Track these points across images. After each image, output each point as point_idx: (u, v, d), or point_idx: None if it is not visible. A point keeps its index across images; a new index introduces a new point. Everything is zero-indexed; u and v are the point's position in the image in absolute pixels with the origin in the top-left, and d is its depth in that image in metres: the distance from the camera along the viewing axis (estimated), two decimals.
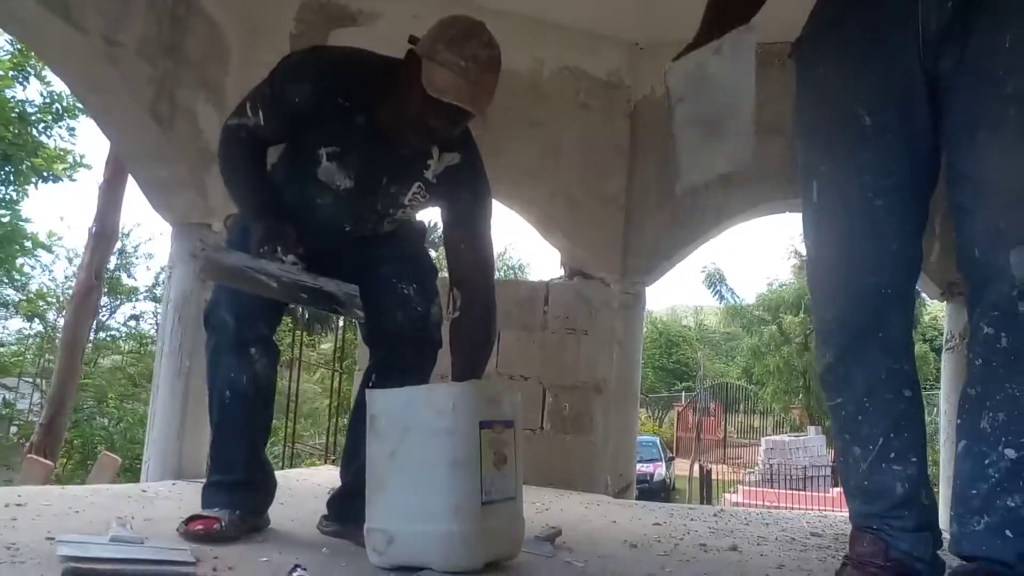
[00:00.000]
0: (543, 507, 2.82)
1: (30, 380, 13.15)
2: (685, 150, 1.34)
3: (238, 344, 1.76)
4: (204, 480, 1.87)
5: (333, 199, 1.79)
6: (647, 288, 3.76)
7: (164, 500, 2.36)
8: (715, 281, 19.70)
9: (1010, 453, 1.07)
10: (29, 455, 6.11)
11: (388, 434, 1.63)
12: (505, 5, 3.33)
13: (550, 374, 3.67)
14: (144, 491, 2.58)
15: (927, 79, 1.18)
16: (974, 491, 1.11)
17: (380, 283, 1.82)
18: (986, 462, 1.09)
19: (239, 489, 1.78)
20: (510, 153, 3.43)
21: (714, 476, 12.92)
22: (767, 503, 10.96)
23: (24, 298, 13.68)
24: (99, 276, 7.55)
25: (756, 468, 15.51)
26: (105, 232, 7.39)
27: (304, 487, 2.95)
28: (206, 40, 3.07)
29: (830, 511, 5.51)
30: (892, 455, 1.22)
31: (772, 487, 12.70)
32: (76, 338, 7.46)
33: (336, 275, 1.74)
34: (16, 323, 14.63)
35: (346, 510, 1.85)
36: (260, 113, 1.72)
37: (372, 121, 1.71)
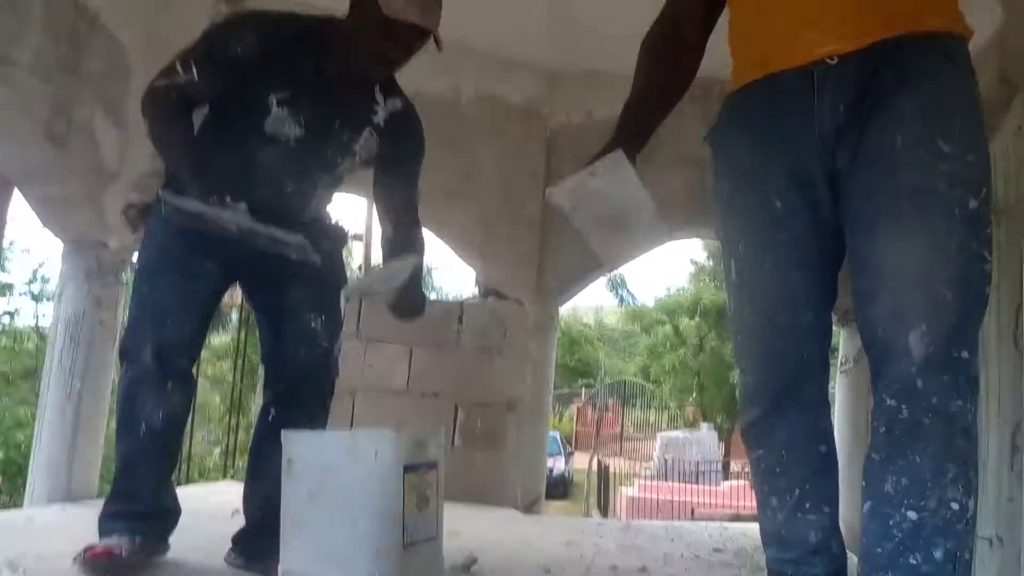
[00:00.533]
0: (455, 529, 2.84)
1: None
2: (598, 245, 1.42)
3: (156, 380, 1.75)
4: (99, 508, 1.80)
5: (279, 153, 1.77)
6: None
7: (55, 530, 2.23)
8: (616, 285, 20.30)
9: (912, 515, 1.15)
10: None
11: (306, 477, 1.63)
12: None
13: (463, 392, 3.69)
14: (32, 519, 2.43)
15: (826, 171, 1.28)
16: (879, 549, 1.18)
17: (289, 307, 1.84)
18: (890, 523, 1.17)
19: (140, 517, 1.73)
20: (427, 174, 3.41)
21: (612, 470, 13.31)
22: (661, 496, 11.42)
23: None
24: None
25: (652, 463, 16.03)
26: None
27: (206, 507, 2.83)
28: (107, 57, 2.91)
29: (723, 513, 5.80)
30: (807, 505, 1.31)
31: (667, 480, 13.19)
32: None
33: (251, 280, 1.85)
34: None
35: (254, 547, 1.83)
36: (194, 70, 1.70)
37: (320, 66, 1.75)
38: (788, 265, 1.31)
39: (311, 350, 1.85)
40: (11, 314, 13.77)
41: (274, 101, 1.73)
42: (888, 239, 1.19)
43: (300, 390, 1.86)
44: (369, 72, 1.78)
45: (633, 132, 1.42)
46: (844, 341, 3.68)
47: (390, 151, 1.89)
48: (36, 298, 13.01)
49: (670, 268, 43.33)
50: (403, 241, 1.89)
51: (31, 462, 3.02)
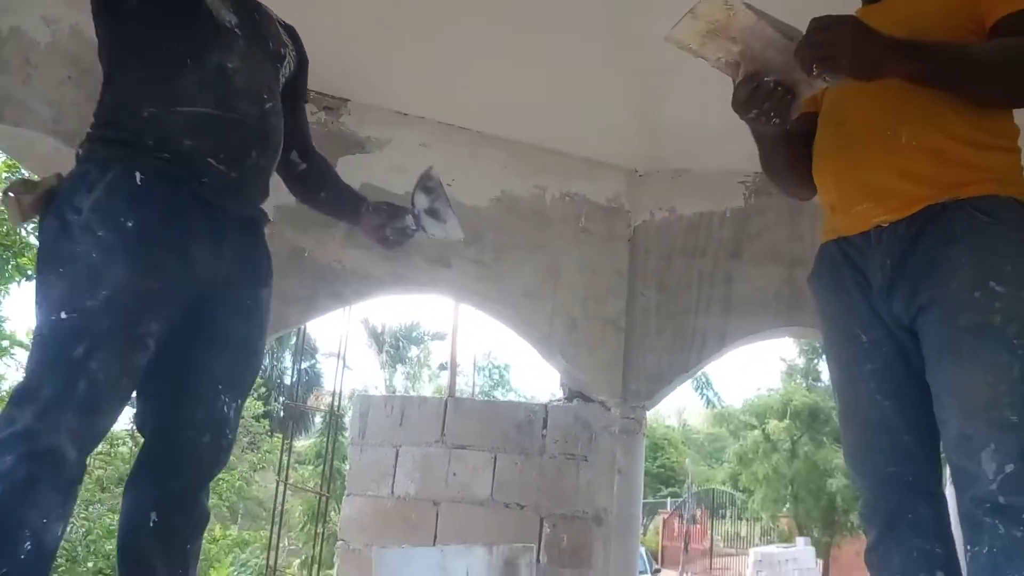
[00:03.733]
0: None
1: None
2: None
3: (68, 481, 1.29)
4: None
5: (232, 44, 1.56)
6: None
7: None
8: (701, 384, 19.66)
9: None
10: None
11: None
12: (507, 133, 3.43)
13: (548, 502, 3.52)
14: None
15: (893, 317, 1.41)
16: None
17: (206, 378, 1.51)
18: None
19: None
20: (511, 275, 3.44)
21: None
22: None
23: None
24: None
25: None
26: None
27: None
28: None
29: None
30: None
31: None
32: None
33: (182, 335, 1.47)
34: None
35: None
36: None
37: None
38: (880, 391, 1.41)
39: (215, 439, 1.50)
40: None
41: None
42: (952, 372, 1.29)
43: (196, 493, 1.51)
44: None
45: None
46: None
47: (296, 65, 1.77)
48: (132, 402, 13.61)
49: (759, 368, 41.82)
50: (325, 165, 1.88)
51: None
